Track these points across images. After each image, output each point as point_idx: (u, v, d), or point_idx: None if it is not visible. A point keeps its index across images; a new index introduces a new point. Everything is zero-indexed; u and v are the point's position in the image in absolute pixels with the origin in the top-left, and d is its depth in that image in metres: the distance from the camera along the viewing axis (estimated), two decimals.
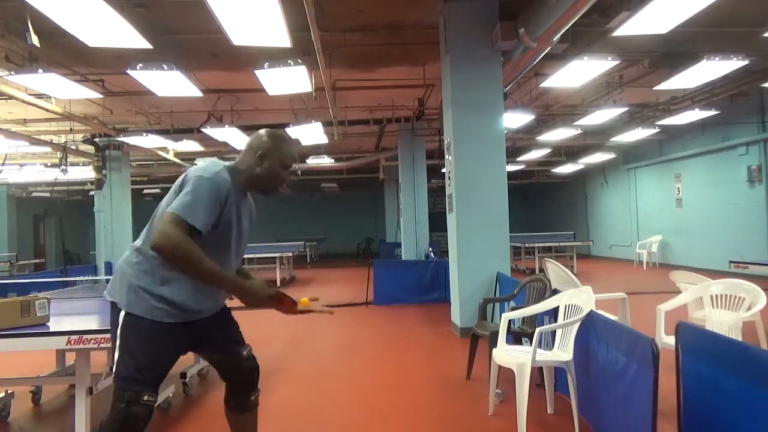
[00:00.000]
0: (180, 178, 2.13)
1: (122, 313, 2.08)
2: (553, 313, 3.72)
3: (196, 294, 2.16)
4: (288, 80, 6.64)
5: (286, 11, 4.50)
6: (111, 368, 2.10)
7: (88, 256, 18.67)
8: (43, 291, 4.91)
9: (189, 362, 4.36)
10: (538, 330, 3.16)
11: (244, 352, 2.40)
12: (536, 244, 12.76)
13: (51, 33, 5.45)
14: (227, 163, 2.23)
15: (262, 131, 2.32)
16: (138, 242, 2.17)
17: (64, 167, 11.08)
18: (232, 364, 2.37)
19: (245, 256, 10.47)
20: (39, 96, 7.93)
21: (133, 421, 2.02)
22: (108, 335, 2.77)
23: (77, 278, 8.81)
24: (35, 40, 5.13)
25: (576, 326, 3.20)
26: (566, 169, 17.13)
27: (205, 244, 2.03)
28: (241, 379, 2.39)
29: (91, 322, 3.29)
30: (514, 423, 3.08)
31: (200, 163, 2.18)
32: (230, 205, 2.14)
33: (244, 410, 2.40)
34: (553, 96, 9.81)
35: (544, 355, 3.32)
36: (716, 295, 3.81)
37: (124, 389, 2.03)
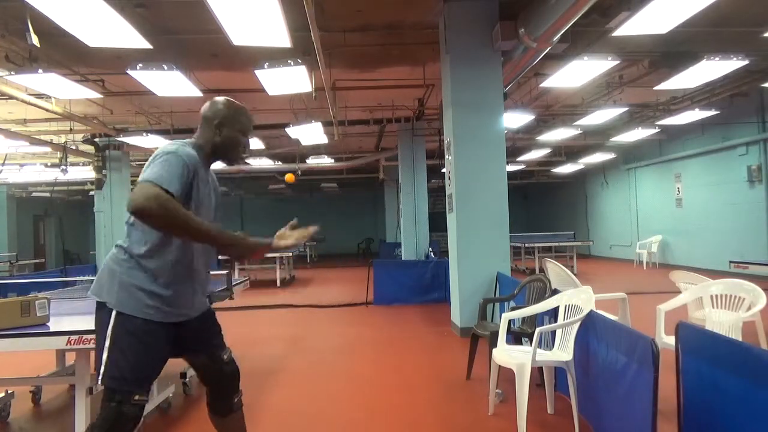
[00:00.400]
0: (149, 161, 2.10)
1: (113, 313, 2.05)
2: (553, 313, 3.72)
3: (186, 288, 2.17)
4: (288, 80, 6.64)
5: (286, 11, 4.50)
6: (98, 370, 2.05)
7: (88, 256, 18.68)
8: (43, 291, 4.90)
9: None
10: (538, 330, 3.16)
11: (225, 356, 2.37)
12: (536, 244, 12.76)
13: (51, 33, 5.45)
14: (187, 141, 2.22)
15: (215, 99, 2.33)
16: (124, 240, 2.13)
17: (64, 167, 11.08)
18: (214, 368, 2.34)
19: (267, 255, 10.34)
20: (39, 96, 7.93)
21: (123, 421, 2.01)
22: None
23: (77, 278, 8.80)
24: (35, 40, 5.13)
25: (576, 326, 3.20)
26: (566, 169, 17.13)
27: None
28: (223, 383, 2.37)
29: (91, 322, 3.25)
30: (514, 423, 3.08)
31: (160, 146, 2.16)
32: (200, 181, 2.15)
33: (227, 413, 2.38)
34: (553, 96, 9.81)
35: (544, 355, 3.32)
36: (716, 295, 3.81)
37: (114, 389, 2.01)
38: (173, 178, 1.99)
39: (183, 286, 2.16)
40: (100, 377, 2.03)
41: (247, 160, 14.49)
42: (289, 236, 2.35)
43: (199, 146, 2.24)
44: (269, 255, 12.07)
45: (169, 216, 1.91)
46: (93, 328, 2.89)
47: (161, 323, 2.10)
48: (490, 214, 6.09)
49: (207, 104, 2.33)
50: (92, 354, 3.19)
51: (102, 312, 2.09)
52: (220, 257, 2.19)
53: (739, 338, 3.34)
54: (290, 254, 13.22)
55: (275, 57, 6.04)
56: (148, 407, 3.45)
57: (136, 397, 2.03)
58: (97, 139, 11.91)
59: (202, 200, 2.19)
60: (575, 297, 3.45)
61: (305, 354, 5.62)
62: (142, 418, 2.08)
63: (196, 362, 2.38)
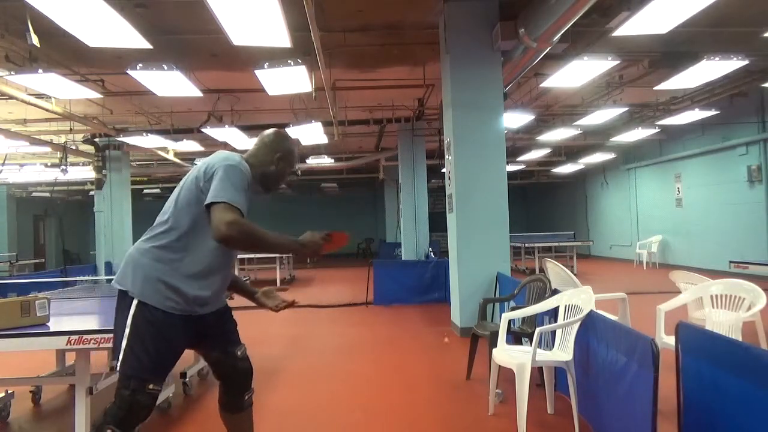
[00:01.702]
0: (198, 171, 2.18)
1: (135, 302, 2.10)
2: (553, 313, 3.72)
3: (209, 288, 2.23)
4: (288, 80, 6.64)
5: (286, 11, 4.50)
6: (116, 357, 2.10)
7: (88, 256, 18.68)
8: (43, 291, 4.91)
9: (189, 362, 4.36)
10: (538, 330, 3.16)
11: (239, 353, 2.42)
12: (536, 244, 12.76)
13: (51, 33, 5.45)
14: (243, 156, 2.30)
15: (278, 132, 2.47)
16: (157, 238, 2.17)
17: (64, 167, 11.08)
18: (228, 363, 2.39)
19: (246, 255, 10.38)
20: (39, 96, 7.93)
21: (137, 408, 2.06)
22: (108, 335, 2.77)
23: (77, 278, 8.82)
24: (35, 40, 5.13)
25: (576, 326, 3.20)
26: (566, 169, 17.13)
27: None
28: (236, 379, 2.41)
29: (91, 322, 3.29)
30: (514, 423, 3.08)
31: (216, 155, 2.23)
32: (249, 197, 2.23)
33: (238, 410, 2.41)
34: (553, 96, 9.81)
35: (544, 355, 3.32)
36: (716, 295, 3.81)
37: (130, 377, 2.06)
38: (239, 194, 2.08)
39: (211, 288, 2.23)
40: (118, 364, 2.08)
41: None
42: (272, 299, 2.59)
43: (251, 165, 2.30)
44: (266, 254, 12.10)
45: (250, 240, 2.04)
46: (93, 328, 2.92)
47: (181, 316, 2.15)
48: (490, 214, 6.08)
49: (273, 132, 2.44)
50: (92, 354, 3.20)
51: (124, 300, 2.15)
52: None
53: (739, 338, 3.34)
54: (290, 254, 13.20)
55: (275, 57, 6.04)
56: None
57: (151, 386, 2.08)
58: (97, 139, 11.91)
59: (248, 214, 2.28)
60: (575, 297, 3.45)
61: (305, 354, 5.62)
62: (153, 408, 2.12)
63: (210, 357, 2.41)
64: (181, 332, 2.17)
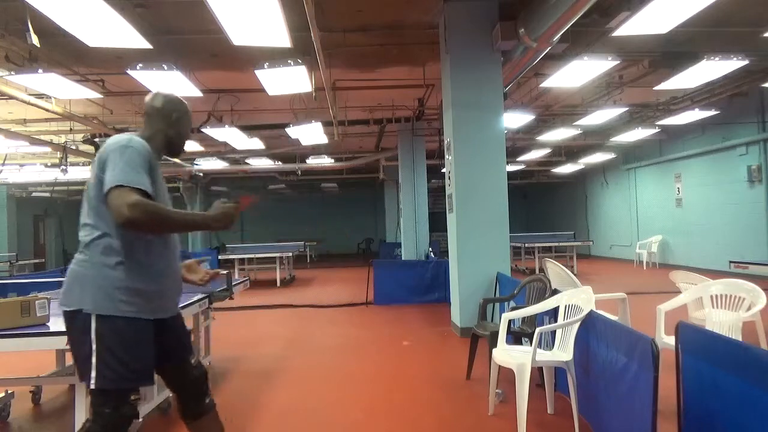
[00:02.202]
0: (94, 163, 2.07)
1: (93, 318, 2.00)
2: (553, 313, 3.72)
3: (165, 283, 2.17)
4: (288, 80, 6.64)
5: (286, 11, 4.50)
6: (86, 379, 1.98)
7: None
8: (43, 291, 4.90)
9: None
10: (538, 330, 3.16)
11: (193, 360, 2.36)
12: (536, 244, 12.76)
13: (51, 33, 5.45)
14: (135, 133, 2.21)
15: (169, 94, 2.39)
16: (90, 245, 2.06)
17: (64, 167, 11.08)
18: (183, 373, 2.32)
19: (246, 256, 10.36)
20: (39, 96, 7.93)
21: (122, 422, 2.01)
22: None
23: None
24: (35, 40, 5.12)
25: (576, 326, 3.20)
26: (566, 169, 17.13)
27: None
28: (192, 386, 2.34)
29: None
30: (514, 423, 3.08)
31: (107, 141, 2.12)
32: (156, 172, 2.15)
33: (200, 416, 2.35)
34: (553, 96, 9.81)
35: (544, 355, 3.32)
36: (716, 295, 3.81)
37: (109, 392, 1.98)
38: (141, 176, 1.99)
39: (162, 281, 2.16)
40: (92, 382, 1.97)
41: (247, 160, 14.51)
42: (196, 272, 2.47)
43: (149, 137, 2.23)
44: (266, 254, 12.10)
45: (155, 219, 1.96)
46: None
47: (143, 320, 2.08)
48: (490, 214, 6.08)
49: (160, 97, 2.35)
50: None
51: (76, 321, 2.02)
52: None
53: (739, 338, 3.34)
54: (290, 254, 13.21)
55: (275, 57, 6.04)
56: (149, 407, 3.46)
57: (132, 397, 2.03)
58: (97, 139, 11.88)
59: (161, 189, 2.19)
60: (575, 297, 3.45)
61: (305, 354, 5.62)
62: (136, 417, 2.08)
63: (164, 368, 2.30)
64: (149, 334, 2.10)
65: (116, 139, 2.08)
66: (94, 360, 1.98)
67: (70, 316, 2.05)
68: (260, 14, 4.52)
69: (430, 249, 11.81)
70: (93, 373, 1.97)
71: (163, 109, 2.31)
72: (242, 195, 2.33)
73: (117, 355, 1.99)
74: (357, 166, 16.01)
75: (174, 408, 3.86)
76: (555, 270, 4.91)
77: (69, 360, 4.25)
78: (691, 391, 2.41)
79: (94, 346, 1.98)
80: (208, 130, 9.74)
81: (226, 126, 9.59)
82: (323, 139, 10.77)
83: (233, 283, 4.68)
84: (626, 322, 4.04)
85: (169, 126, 2.29)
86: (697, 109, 9.98)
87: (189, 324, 4.34)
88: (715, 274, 5.44)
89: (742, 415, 2.07)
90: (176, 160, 13.61)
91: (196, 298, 3.98)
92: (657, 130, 11.84)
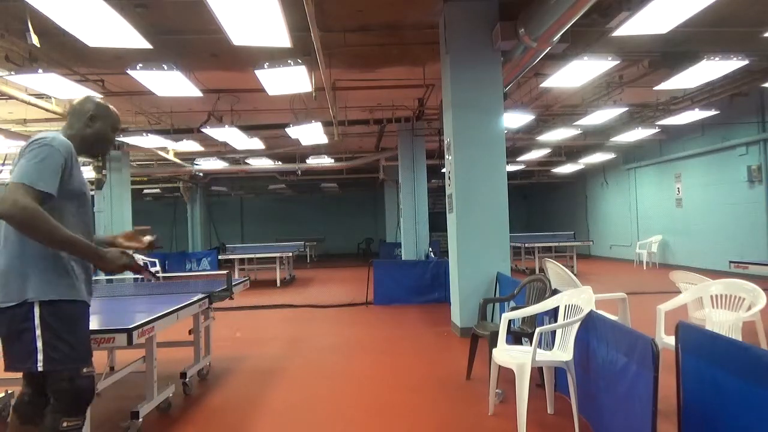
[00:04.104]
0: (18, 153, 2.13)
1: (36, 307, 2.07)
2: (553, 313, 3.72)
3: (85, 266, 2.26)
4: (288, 80, 6.64)
5: (286, 11, 4.50)
6: (32, 363, 2.06)
7: None
8: None
9: (189, 362, 4.36)
10: (538, 330, 3.16)
11: None
12: (536, 244, 12.76)
13: (51, 33, 5.46)
14: (56, 132, 2.25)
15: (89, 95, 2.46)
16: (6, 241, 2.13)
17: None
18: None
19: (246, 256, 10.37)
20: (39, 96, 7.93)
21: (81, 393, 2.13)
22: (108, 336, 2.78)
23: None
24: (35, 40, 5.13)
25: (576, 326, 3.20)
26: (566, 169, 17.13)
27: (68, 214, 2.14)
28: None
29: (91, 322, 3.27)
30: (514, 423, 3.08)
31: (35, 135, 2.17)
32: (77, 168, 2.21)
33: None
34: (553, 96, 9.81)
35: (544, 355, 3.32)
36: (716, 295, 3.81)
37: (61, 371, 2.09)
38: (47, 175, 2.03)
39: (81, 270, 2.25)
40: (40, 365, 2.05)
41: (247, 160, 14.51)
42: (137, 240, 2.56)
43: (70, 136, 2.29)
44: (266, 254, 12.10)
45: (34, 227, 1.98)
46: (92, 328, 2.90)
47: (81, 301, 2.21)
48: (490, 214, 6.09)
49: (80, 98, 2.43)
50: None
51: (15, 312, 2.07)
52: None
53: (739, 338, 3.34)
54: (290, 254, 13.22)
55: (275, 57, 6.04)
56: (148, 407, 3.46)
57: (85, 370, 2.14)
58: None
59: (81, 188, 2.27)
60: (575, 297, 3.45)
61: (305, 354, 5.62)
62: (95, 391, 2.21)
63: None
64: (87, 315, 2.24)
65: (39, 135, 2.14)
66: (39, 344, 2.07)
67: (10, 311, 2.09)
68: (260, 14, 4.52)
69: (430, 249, 11.81)
70: (39, 356, 2.06)
71: (78, 108, 2.37)
72: (144, 269, 2.42)
73: (63, 339, 2.11)
74: (357, 166, 16.02)
75: (173, 408, 3.87)
76: (555, 270, 4.91)
77: None
78: (691, 391, 2.41)
79: (38, 333, 2.07)
80: (208, 130, 9.74)
81: (226, 126, 9.59)
82: (323, 139, 10.77)
83: (233, 283, 4.68)
84: (626, 322, 4.04)
85: (86, 126, 2.34)
86: (697, 109, 9.98)
87: (189, 324, 4.36)
88: (715, 274, 5.44)
89: (742, 415, 2.07)
90: (183, 163, 13.61)
91: (196, 298, 3.98)
92: (657, 130, 11.84)
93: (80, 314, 2.20)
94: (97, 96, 2.48)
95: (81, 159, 2.34)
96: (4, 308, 2.09)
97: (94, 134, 2.35)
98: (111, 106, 2.46)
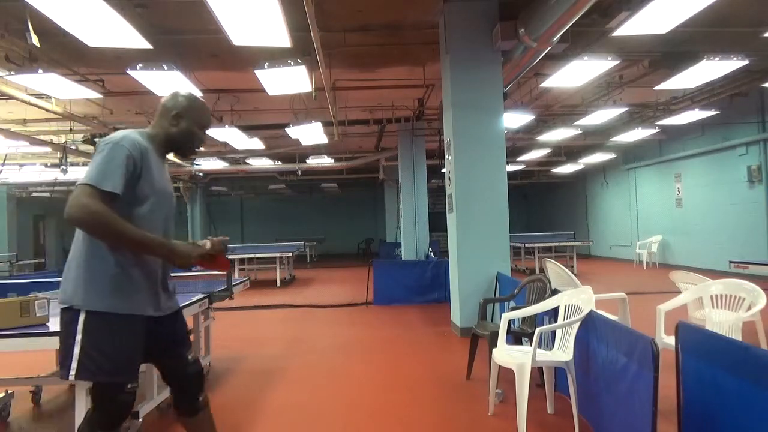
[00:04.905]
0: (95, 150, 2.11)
1: (82, 314, 2.03)
2: (553, 313, 3.72)
3: (148, 283, 2.16)
4: (288, 80, 6.64)
5: (286, 11, 4.50)
6: (68, 370, 2.03)
7: None
8: (43, 291, 4.90)
9: None
10: (538, 330, 3.16)
11: (190, 356, 2.37)
12: (536, 244, 12.76)
13: (51, 33, 5.45)
14: (140, 130, 2.21)
15: (177, 91, 2.34)
16: (82, 241, 2.10)
17: (64, 167, 11.08)
18: (178, 368, 2.32)
19: (246, 256, 10.32)
20: (39, 96, 7.92)
21: (121, 410, 2.08)
22: None
23: None
24: (35, 40, 5.13)
25: (576, 326, 3.20)
26: (566, 169, 17.13)
27: (136, 217, 2.05)
28: (187, 383, 2.35)
29: None
30: (514, 423, 3.08)
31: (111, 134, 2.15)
32: (150, 168, 2.12)
33: (194, 413, 2.36)
34: (553, 96, 9.81)
35: (544, 355, 3.32)
36: (716, 295, 3.81)
37: (105, 384, 2.05)
38: (112, 175, 1.97)
39: (146, 278, 2.15)
40: (73, 372, 2.01)
41: (247, 160, 14.52)
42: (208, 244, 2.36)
43: (152, 135, 2.23)
44: (266, 254, 12.10)
45: (101, 227, 1.94)
46: None
47: (133, 315, 2.10)
48: (490, 214, 6.08)
49: (168, 95, 2.33)
50: None
51: (69, 316, 2.07)
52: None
53: (739, 338, 3.34)
54: (290, 254, 13.22)
55: (275, 57, 6.04)
56: (148, 407, 3.46)
57: (129, 386, 2.07)
58: (97, 139, 11.89)
59: (156, 186, 2.16)
60: (575, 297, 3.45)
61: (305, 354, 5.62)
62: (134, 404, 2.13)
63: (161, 362, 2.34)
64: (137, 330, 2.11)
65: (112, 135, 2.10)
66: (77, 351, 2.01)
67: (64, 312, 2.09)
68: (260, 14, 4.52)
69: (430, 249, 11.81)
70: (74, 364, 2.01)
71: (165, 106, 2.28)
72: (222, 257, 2.28)
73: (106, 353, 2.03)
74: (357, 166, 16.02)
75: (173, 408, 3.87)
76: (555, 270, 4.91)
77: None
78: (691, 391, 2.41)
79: (79, 338, 2.02)
80: (208, 130, 9.72)
81: (226, 126, 9.59)
82: (323, 139, 10.77)
83: (233, 283, 4.68)
84: (626, 322, 4.04)
85: (170, 124, 2.26)
86: (697, 109, 9.99)
87: (189, 324, 4.35)
88: (715, 274, 5.44)
89: (742, 415, 2.07)
90: (183, 162, 13.57)
91: (196, 298, 3.98)
92: (657, 130, 11.84)
93: (127, 328, 2.08)
94: (185, 92, 2.34)
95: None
96: (60, 309, 2.10)
97: (179, 133, 2.26)
98: (199, 102, 2.35)
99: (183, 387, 2.35)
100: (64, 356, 2.05)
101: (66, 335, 2.05)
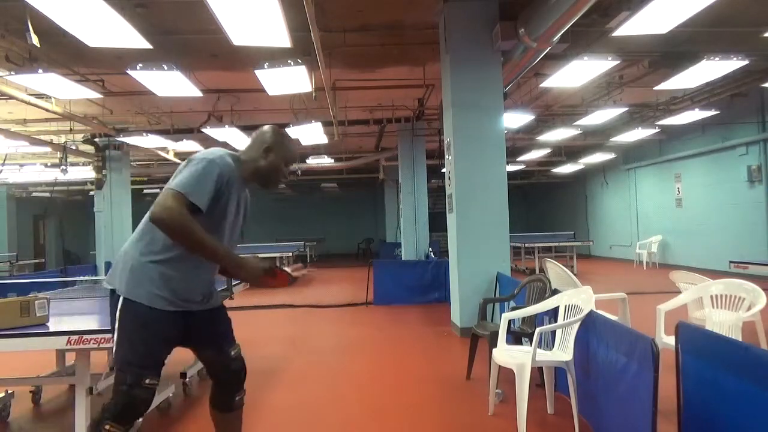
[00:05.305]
0: (185, 162, 2.17)
1: (121, 299, 2.12)
2: (553, 313, 3.72)
3: (193, 280, 2.23)
4: (288, 80, 6.64)
5: (286, 11, 4.50)
6: (113, 353, 2.15)
7: (88, 256, 18.67)
8: (43, 291, 4.91)
9: (189, 362, 4.36)
10: (538, 330, 3.16)
11: (233, 352, 2.40)
12: (536, 244, 12.76)
13: (51, 33, 5.45)
14: (233, 153, 2.29)
15: (269, 126, 2.42)
16: (139, 232, 2.21)
17: (64, 167, 11.08)
18: (221, 362, 2.38)
19: (246, 256, 10.36)
20: (39, 96, 7.92)
21: (135, 403, 2.08)
22: (108, 335, 2.77)
23: (77, 278, 8.81)
24: (35, 40, 5.12)
25: (576, 326, 3.20)
26: (566, 169, 17.13)
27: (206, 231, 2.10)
28: (228, 378, 2.40)
29: (91, 322, 3.28)
30: (514, 423, 3.08)
31: (208, 150, 2.23)
32: (231, 192, 2.20)
33: (228, 410, 2.42)
34: (553, 96, 9.81)
35: (544, 355, 3.32)
36: (716, 295, 3.81)
37: (125, 372, 2.08)
38: (201, 188, 2.06)
39: (189, 276, 2.21)
40: (114, 359, 2.14)
41: None
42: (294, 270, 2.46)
43: (242, 162, 2.30)
44: (268, 255, 12.09)
45: (182, 233, 2.02)
46: (93, 328, 2.93)
47: (168, 311, 2.15)
48: (490, 214, 6.08)
49: (265, 127, 2.42)
50: (92, 354, 3.20)
51: (113, 298, 2.18)
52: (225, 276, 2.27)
53: (739, 338, 3.34)
54: (290, 254, 13.21)
55: (275, 57, 6.04)
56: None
57: (147, 381, 2.09)
58: (97, 139, 11.90)
59: (228, 212, 2.24)
60: (575, 297, 3.45)
61: (305, 354, 5.62)
62: (152, 402, 2.15)
63: (203, 355, 2.42)
64: (169, 327, 2.17)
65: (212, 150, 2.20)
66: (115, 338, 2.13)
67: (111, 293, 2.20)
68: (260, 14, 4.52)
69: (430, 249, 11.80)
70: (114, 350, 2.13)
71: (259, 138, 2.37)
72: (283, 272, 2.32)
73: (132, 342, 2.11)
74: (357, 166, 16.02)
75: (173, 408, 3.87)
76: (555, 270, 4.92)
77: (69, 360, 4.25)
78: (691, 391, 2.41)
79: (117, 325, 2.13)
80: (208, 131, 9.73)
81: (226, 126, 9.59)
82: (323, 139, 10.77)
83: (233, 283, 4.68)
84: (626, 322, 4.04)
85: (260, 156, 2.33)
86: (697, 109, 9.98)
87: None
88: (715, 274, 5.44)
89: (742, 415, 2.07)
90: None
91: None
92: (657, 130, 11.84)
93: (156, 321, 2.13)
94: (279, 129, 2.44)
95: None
96: (109, 288, 2.21)
97: (267, 166, 2.33)
98: (289, 139, 2.45)
99: (223, 382, 2.40)
100: (114, 340, 2.16)
101: (111, 318, 2.18)
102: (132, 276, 2.13)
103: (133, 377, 2.06)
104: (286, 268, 2.40)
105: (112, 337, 2.17)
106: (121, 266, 2.18)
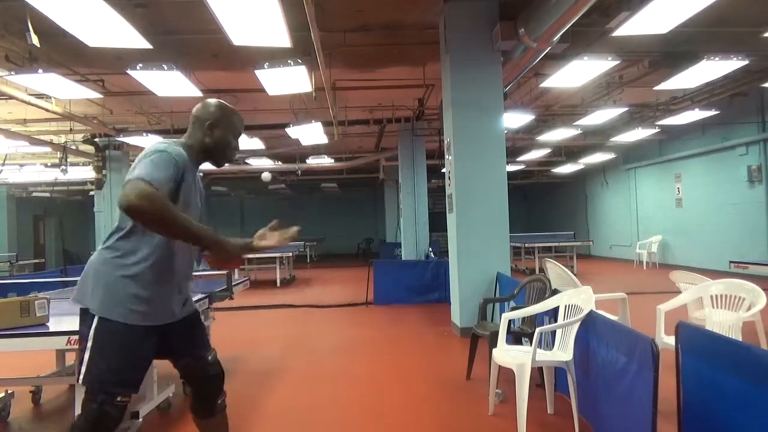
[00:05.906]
0: (137, 158, 2.09)
1: (96, 318, 2.05)
2: (553, 313, 3.72)
3: (168, 289, 2.16)
4: (288, 80, 6.64)
5: (286, 11, 4.50)
6: (79, 370, 2.07)
7: (88, 256, 18.56)
8: (42, 291, 4.90)
9: None
10: (538, 330, 3.16)
11: (210, 357, 2.36)
12: (536, 244, 12.75)
13: (51, 33, 5.45)
14: (178, 140, 2.23)
15: (208, 101, 2.34)
16: (106, 243, 2.13)
17: (64, 167, 11.09)
18: (197, 369, 2.32)
19: (247, 256, 10.27)
20: (39, 96, 7.93)
21: (105, 421, 2.02)
22: None
23: (77, 278, 8.79)
24: (35, 40, 5.12)
25: (576, 326, 3.20)
26: (566, 169, 17.13)
27: None
28: (206, 384, 2.35)
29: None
30: (514, 423, 3.08)
31: (151, 144, 2.15)
32: (187, 179, 2.14)
33: (210, 415, 2.36)
34: (553, 96, 9.81)
35: (544, 355, 3.32)
36: (716, 295, 3.81)
37: (96, 391, 2.02)
38: (163, 177, 1.98)
39: (164, 287, 2.15)
40: (81, 377, 2.05)
41: (247, 160, 14.51)
42: (270, 237, 2.40)
43: (188, 146, 2.24)
44: (266, 254, 12.08)
45: (159, 214, 1.89)
46: None
47: (144, 326, 2.09)
48: (490, 214, 6.08)
49: (199, 105, 2.33)
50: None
51: (86, 317, 2.09)
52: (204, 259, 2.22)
53: (739, 338, 3.34)
54: (290, 254, 13.21)
55: (275, 57, 6.04)
56: (148, 407, 3.46)
57: (119, 399, 2.04)
58: (97, 139, 11.91)
59: (189, 200, 2.19)
60: (575, 297, 3.45)
61: (305, 354, 5.62)
62: (123, 419, 2.10)
63: (180, 363, 2.34)
64: (146, 342, 2.11)
65: (156, 143, 2.12)
66: (86, 356, 2.04)
67: (82, 312, 2.11)
68: (260, 14, 4.52)
69: (430, 249, 11.80)
70: (83, 369, 2.05)
71: (198, 116, 2.29)
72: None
73: (108, 360, 2.03)
74: (357, 166, 16.01)
75: (173, 408, 3.87)
76: (555, 270, 4.92)
77: (69, 360, 4.25)
78: (691, 391, 2.40)
79: (89, 344, 2.04)
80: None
81: None
82: (323, 139, 10.77)
83: (233, 283, 4.68)
84: (626, 322, 4.04)
85: (205, 134, 2.26)
86: (697, 109, 9.99)
87: None
88: (715, 274, 5.44)
89: (742, 415, 2.07)
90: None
91: (196, 299, 3.98)
92: (657, 130, 11.84)
93: (133, 339, 2.06)
94: (216, 101, 2.33)
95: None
96: (80, 308, 2.13)
97: (214, 143, 2.27)
98: (232, 111, 2.34)
99: (202, 388, 2.35)
100: (80, 359, 2.08)
101: (81, 337, 2.09)
102: (107, 293, 2.05)
103: (105, 395, 2.02)
104: (275, 233, 2.38)
105: (80, 354, 2.08)
106: (92, 282, 2.09)
